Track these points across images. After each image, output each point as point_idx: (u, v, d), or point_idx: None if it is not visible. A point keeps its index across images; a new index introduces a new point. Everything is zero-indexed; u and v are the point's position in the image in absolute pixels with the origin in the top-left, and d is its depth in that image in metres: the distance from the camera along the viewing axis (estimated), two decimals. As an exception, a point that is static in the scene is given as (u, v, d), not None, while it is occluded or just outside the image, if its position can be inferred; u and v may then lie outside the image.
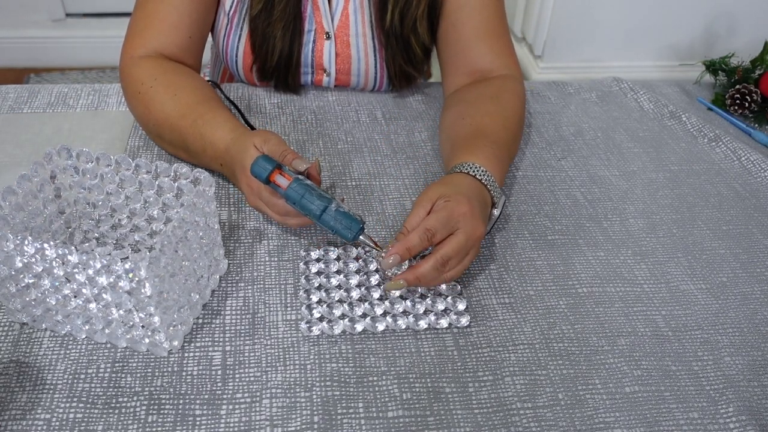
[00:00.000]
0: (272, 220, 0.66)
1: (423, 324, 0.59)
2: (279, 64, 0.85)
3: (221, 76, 1.04)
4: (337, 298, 0.61)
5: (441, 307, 0.60)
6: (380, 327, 0.58)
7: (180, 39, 0.80)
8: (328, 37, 0.86)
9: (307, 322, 0.58)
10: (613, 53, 1.35)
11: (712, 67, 1.03)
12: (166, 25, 0.78)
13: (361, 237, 0.60)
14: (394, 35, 0.84)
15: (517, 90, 0.82)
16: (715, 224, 0.74)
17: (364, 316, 0.59)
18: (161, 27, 0.78)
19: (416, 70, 0.89)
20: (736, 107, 0.96)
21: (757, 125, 0.96)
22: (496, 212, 0.67)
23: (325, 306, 0.60)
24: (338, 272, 0.63)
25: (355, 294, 0.61)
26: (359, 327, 0.58)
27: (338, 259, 0.65)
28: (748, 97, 0.95)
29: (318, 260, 0.64)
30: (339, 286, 0.62)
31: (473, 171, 0.66)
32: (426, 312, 0.60)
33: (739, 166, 0.85)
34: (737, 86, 0.96)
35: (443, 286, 0.62)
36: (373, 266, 0.64)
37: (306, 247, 0.66)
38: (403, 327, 0.59)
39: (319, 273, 0.63)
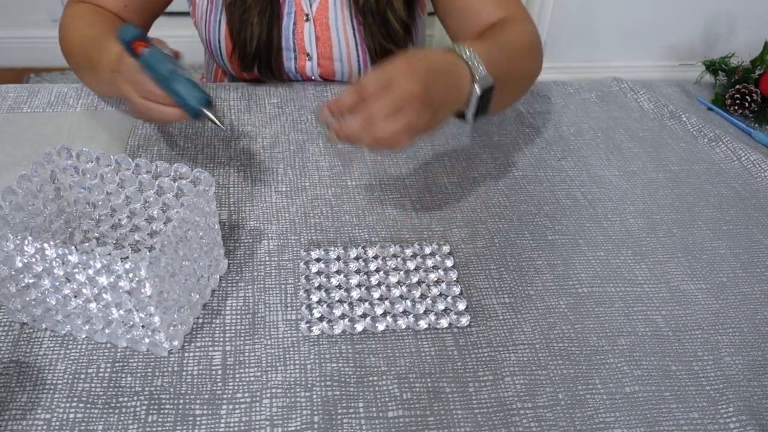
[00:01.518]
0: (133, 108, 0.66)
1: (423, 324, 0.59)
2: (258, 50, 0.85)
3: (214, 76, 1.04)
4: (337, 298, 0.61)
5: (441, 307, 0.61)
6: (380, 327, 0.58)
7: (116, 3, 0.84)
8: (308, 19, 0.86)
9: (307, 322, 0.58)
10: (613, 53, 1.35)
11: (712, 67, 1.03)
12: None
13: (205, 110, 0.62)
14: (370, 12, 0.84)
15: (525, 28, 0.78)
16: (715, 224, 0.75)
17: (364, 316, 0.59)
18: None
19: (397, 47, 0.88)
20: (736, 107, 0.96)
21: (757, 125, 0.95)
22: (477, 88, 0.60)
23: (325, 306, 0.60)
24: (338, 272, 0.63)
25: (355, 294, 0.61)
26: (359, 327, 0.58)
27: (338, 259, 0.65)
28: (748, 97, 0.95)
29: (318, 260, 0.64)
30: (339, 286, 0.62)
31: (452, 49, 0.61)
32: (426, 312, 0.60)
33: (739, 166, 0.85)
34: (737, 86, 0.96)
35: (443, 285, 0.63)
36: (373, 266, 0.64)
37: (306, 247, 0.66)
38: (403, 327, 0.59)
39: (319, 273, 0.63)
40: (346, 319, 0.58)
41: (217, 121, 0.63)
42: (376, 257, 0.65)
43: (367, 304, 0.60)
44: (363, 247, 0.66)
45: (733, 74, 1.00)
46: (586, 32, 1.33)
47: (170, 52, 0.64)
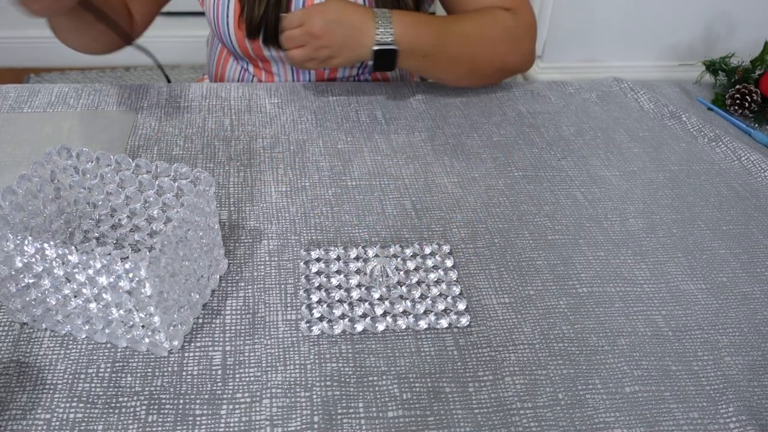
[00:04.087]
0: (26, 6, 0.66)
1: (423, 324, 0.59)
2: (266, 13, 0.86)
3: (215, 75, 1.04)
4: (337, 298, 0.61)
5: (441, 307, 0.61)
6: (380, 327, 0.58)
7: None
8: None
9: (307, 322, 0.58)
10: (613, 53, 1.35)
11: (712, 67, 1.03)
12: None
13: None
14: None
15: (500, 15, 0.84)
16: (715, 224, 0.75)
17: (364, 316, 0.59)
18: None
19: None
20: (736, 107, 0.96)
21: (757, 125, 0.96)
22: (374, 47, 0.77)
23: (325, 306, 0.60)
24: (338, 272, 0.63)
25: (355, 294, 0.61)
26: (359, 327, 0.58)
27: (338, 259, 0.65)
28: (748, 97, 0.95)
29: (318, 260, 0.64)
30: (339, 286, 0.62)
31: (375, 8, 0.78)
32: (426, 312, 0.60)
33: (739, 166, 0.85)
34: (737, 86, 0.96)
35: (443, 285, 0.63)
36: (369, 267, 0.64)
37: (306, 247, 0.66)
38: (403, 327, 0.59)
39: (319, 273, 0.63)
40: (346, 319, 0.58)
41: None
42: (377, 256, 0.65)
43: (366, 304, 0.60)
44: (363, 247, 0.66)
45: (733, 74, 1.00)
46: (586, 32, 1.33)
47: None
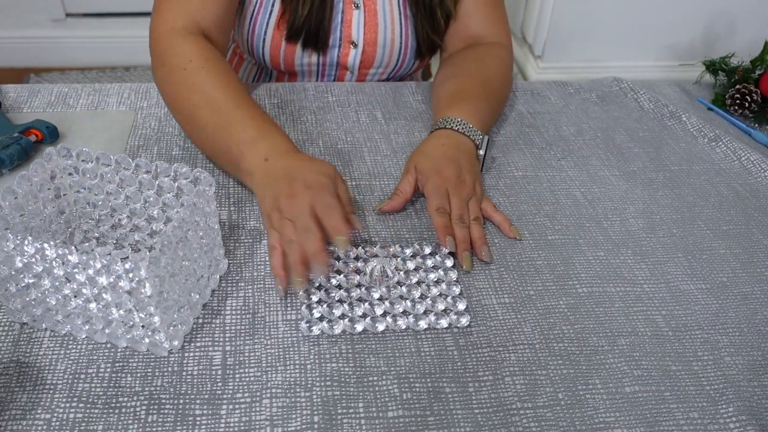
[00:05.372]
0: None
1: (423, 324, 0.59)
2: (310, 14, 0.86)
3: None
4: (337, 298, 0.61)
5: (441, 307, 0.61)
6: (380, 327, 0.58)
7: (217, 12, 0.78)
8: (357, 7, 0.89)
9: (307, 322, 0.58)
10: (613, 53, 1.36)
11: (712, 67, 1.03)
12: None
13: None
14: (422, 4, 0.90)
15: (501, 55, 0.89)
16: (715, 224, 0.75)
17: (364, 316, 0.59)
18: None
19: (440, 38, 0.94)
20: (736, 107, 0.96)
21: (757, 125, 0.96)
22: (481, 152, 0.76)
23: (325, 306, 0.60)
24: (338, 272, 0.63)
25: (355, 294, 0.61)
26: (359, 327, 0.58)
27: (338, 259, 0.65)
28: (748, 97, 0.95)
29: None
30: (339, 286, 0.62)
31: (451, 124, 0.76)
32: (426, 312, 0.60)
33: (739, 166, 0.85)
34: (737, 86, 0.96)
35: (443, 285, 0.63)
36: (369, 267, 0.63)
37: None
38: (403, 327, 0.59)
39: None
40: (346, 319, 0.58)
41: None
42: (376, 256, 0.65)
43: (366, 304, 0.60)
44: (363, 247, 0.66)
45: (733, 74, 1.00)
46: (586, 32, 1.33)
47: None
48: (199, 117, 0.71)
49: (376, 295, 0.61)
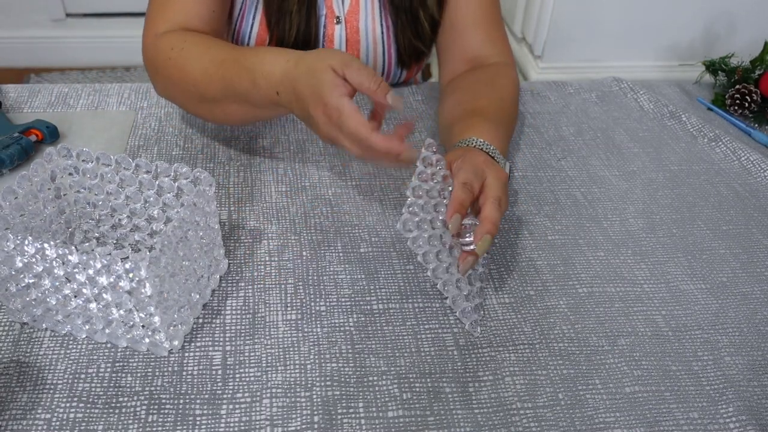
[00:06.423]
0: (350, 153, 0.60)
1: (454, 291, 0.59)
2: (297, 39, 0.85)
3: None
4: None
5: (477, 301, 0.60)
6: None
7: (203, 12, 0.77)
8: (338, 22, 0.87)
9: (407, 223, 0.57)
10: (613, 53, 1.35)
11: (712, 67, 1.03)
12: (190, 0, 0.76)
13: None
14: (403, 10, 0.86)
15: (510, 75, 0.85)
16: (715, 224, 0.75)
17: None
18: (184, 2, 0.76)
19: (425, 46, 0.90)
20: (736, 107, 0.96)
21: (757, 125, 0.96)
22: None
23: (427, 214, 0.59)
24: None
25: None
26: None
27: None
28: (748, 97, 0.95)
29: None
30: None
31: (474, 143, 0.69)
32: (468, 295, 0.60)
33: (739, 166, 0.85)
34: (737, 86, 0.96)
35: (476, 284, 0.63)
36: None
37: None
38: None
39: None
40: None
41: None
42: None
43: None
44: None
45: (733, 74, 1.00)
46: (586, 32, 1.33)
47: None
48: (205, 92, 0.70)
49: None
